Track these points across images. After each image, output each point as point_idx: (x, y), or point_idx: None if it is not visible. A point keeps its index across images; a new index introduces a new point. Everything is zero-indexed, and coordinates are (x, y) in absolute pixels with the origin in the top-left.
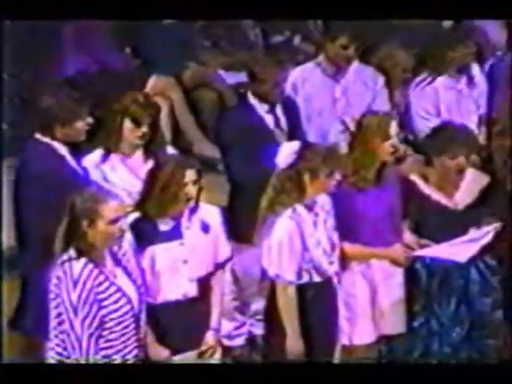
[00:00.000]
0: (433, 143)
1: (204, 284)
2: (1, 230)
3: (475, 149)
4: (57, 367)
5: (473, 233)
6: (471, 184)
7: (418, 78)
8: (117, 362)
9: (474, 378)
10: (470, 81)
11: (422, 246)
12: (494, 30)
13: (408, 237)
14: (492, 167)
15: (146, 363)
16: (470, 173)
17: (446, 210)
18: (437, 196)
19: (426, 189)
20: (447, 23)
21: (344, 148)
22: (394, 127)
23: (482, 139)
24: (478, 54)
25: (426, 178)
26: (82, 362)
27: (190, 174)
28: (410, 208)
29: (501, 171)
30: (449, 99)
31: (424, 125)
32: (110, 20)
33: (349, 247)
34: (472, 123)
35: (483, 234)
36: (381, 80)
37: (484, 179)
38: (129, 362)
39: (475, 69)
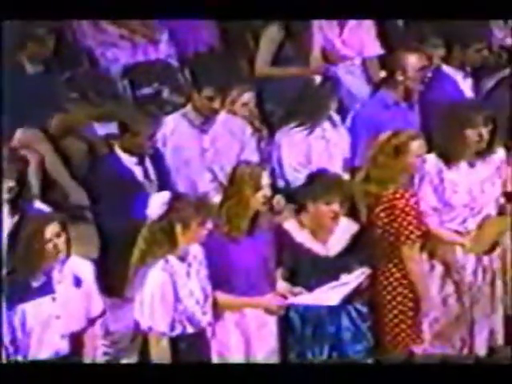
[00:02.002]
0: (307, 190)
1: (76, 339)
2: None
3: (347, 196)
4: (57, 367)
5: (344, 278)
6: (342, 231)
7: (287, 128)
8: (117, 362)
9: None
10: (336, 129)
11: (295, 294)
12: (357, 84)
13: (281, 285)
14: (359, 214)
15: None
16: (341, 220)
17: (318, 258)
18: (309, 244)
19: (299, 237)
20: (316, 77)
21: (215, 198)
22: (265, 177)
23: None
24: (342, 105)
25: (299, 225)
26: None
27: (52, 228)
28: (284, 256)
29: (367, 219)
30: (318, 148)
31: (295, 174)
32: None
33: (222, 297)
34: (339, 171)
35: (353, 279)
36: (248, 130)
37: (353, 227)
38: (129, 362)
39: (339, 118)
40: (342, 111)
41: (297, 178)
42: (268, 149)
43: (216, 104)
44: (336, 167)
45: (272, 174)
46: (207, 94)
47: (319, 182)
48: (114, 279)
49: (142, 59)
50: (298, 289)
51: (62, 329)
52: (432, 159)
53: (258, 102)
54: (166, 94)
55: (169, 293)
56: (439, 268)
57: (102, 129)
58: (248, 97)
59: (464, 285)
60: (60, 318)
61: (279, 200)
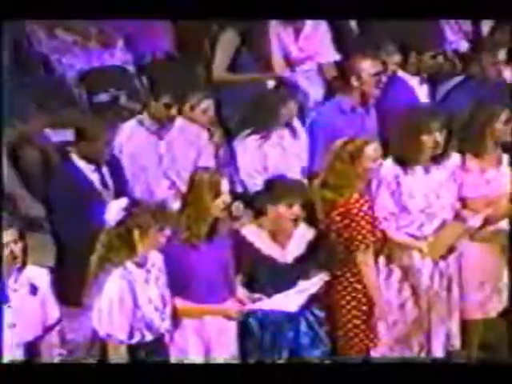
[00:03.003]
0: (265, 196)
1: (32, 348)
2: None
3: (306, 200)
4: (57, 367)
5: (302, 285)
6: (300, 237)
7: (243, 134)
8: (118, 362)
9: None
10: (293, 136)
11: (254, 300)
12: (314, 89)
13: (240, 291)
14: (316, 220)
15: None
16: (299, 226)
17: (276, 264)
18: (267, 250)
19: (257, 242)
20: (271, 83)
21: (173, 204)
22: (224, 183)
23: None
24: (299, 111)
25: (258, 231)
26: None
27: (10, 234)
28: (243, 262)
29: (327, 225)
30: (274, 155)
31: (252, 180)
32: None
33: (181, 304)
34: (297, 177)
35: (311, 285)
36: (205, 136)
37: (310, 232)
38: (130, 362)
39: (297, 124)
40: (300, 117)
41: (254, 184)
42: (225, 155)
43: (173, 111)
44: (294, 174)
45: (230, 180)
46: (164, 100)
47: (279, 186)
48: (71, 287)
49: (98, 65)
50: (256, 295)
51: (17, 337)
52: (389, 164)
53: (216, 108)
54: (122, 100)
55: (127, 300)
56: (397, 272)
57: (56, 136)
58: (207, 104)
59: (421, 289)
60: (15, 326)
61: (237, 206)
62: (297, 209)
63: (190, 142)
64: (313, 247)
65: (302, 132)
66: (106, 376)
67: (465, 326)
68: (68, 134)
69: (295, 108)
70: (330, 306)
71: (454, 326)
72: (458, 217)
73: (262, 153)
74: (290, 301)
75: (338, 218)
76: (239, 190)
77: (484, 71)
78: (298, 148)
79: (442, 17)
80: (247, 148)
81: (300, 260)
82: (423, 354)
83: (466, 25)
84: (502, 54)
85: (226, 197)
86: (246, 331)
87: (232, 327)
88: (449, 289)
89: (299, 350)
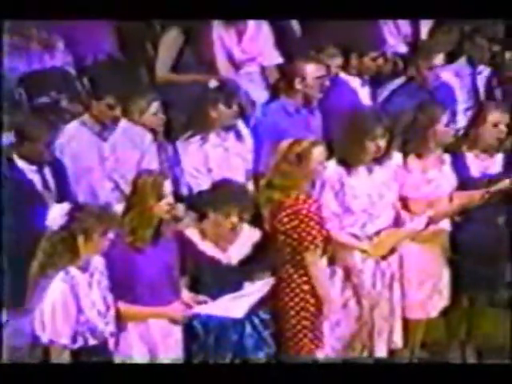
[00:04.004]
0: (208, 199)
1: None
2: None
3: (248, 205)
4: (57, 367)
5: (247, 287)
6: (244, 239)
7: (185, 136)
8: (118, 362)
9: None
10: (237, 137)
11: (199, 303)
12: (257, 91)
13: (185, 294)
14: (262, 221)
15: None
16: (243, 228)
17: (221, 266)
18: (212, 252)
19: (201, 245)
20: (213, 83)
21: (117, 207)
22: (167, 186)
23: (253, 194)
24: (243, 112)
25: (201, 233)
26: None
27: None
28: (187, 265)
29: (270, 225)
30: (217, 156)
31: (196, 182)
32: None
33: (125, 308)
34: (241, 179)
35: (257, 289)
36: (148, 137)
37: (256, 234)
38: (130, 362)
39: (241, 126)
40: (244, 118)
41: (197, 186)
42: (169, 157)
43: (116, 112)
44: (238, 175)
45: (174, 182)
46: (107, 101)
47: (220, 192)
48: (13, 292)
49: (38, 67)
50: (202, 297)
51: None
52: (332, 165)
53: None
54: (64, 102)
55: (70, 304)
56: (339, 272)
57: None
58: (156, 106)
59: (363, 289)
60: None
61: (181, 208)
62: (234, 218)
63: (133, 143)
64: (259, 249)
65: (246, 133)
66: (49, 377)
67: (407, 325)
68: (9, 136)
69: (238, 109)
70: (276, 308)
71: (396, 326)
72: (399, 217)
73: (204, 154)
74: (236, 306)
75: (285, 219)
76: (184, 192)
77: (420, 74)
78: (243, 149)
79: (383, 17)
80: (189, 150)
81: (245, 262)
82: (366, 353)
83: (406, 28)
84: (438, 58)
85: (169, 198)
86: (191, 334)
87: (177, 330)
88: (390, 288)
89: (244, 353)
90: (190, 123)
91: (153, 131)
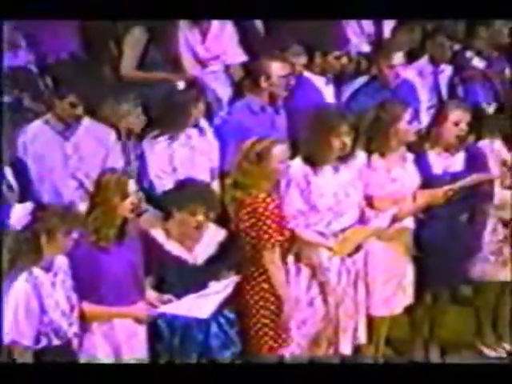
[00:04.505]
0: (173, 198)
1: None
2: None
3: (214, 204)
4: (57, 367)
5: (213, 286)
6: (209, 238)
7: (151, 135)
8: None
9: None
10: (203, 136)
11: (164, 302)
12: (223, 90)
13: (150, 293)
14: (227, 220)
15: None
16: (208, 227)
17: (186, 265)
18: (177, 251)
19: (166, 244)
20: (181, 84)
21: (81, 206)
22: (132, 184)
23: (217, 193)
24: (208, 111)
25: (166, 233)
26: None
27: None
28: (152, 264)
29: (235, 224)
30: (183, 155)
31: (160, 182)
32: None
33: (89, 308)
34: (206, 178)
35: (223, 288)
36: (112, 136)
37: (221, 233)
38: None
39: (207, 124)
40: (209, 117)
41: (162, 185)
42: (134, 155)
43: (79, 110)
44: (203, 174)
45: (139, 180)
46: (70, 100)
47: (185, 191)
48: None
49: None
50: (167, 297)
51: None
52: (298, 164)
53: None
54: (26, 102)
55: (33, 305)
56: (305, 270)
57: None
58: (140, 109)
59: (329, 286)
60: None
61: (146, 207)
62: (200, 217)
63: (97, 141)
64: (224, 248)
65: (211, 132)
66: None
67: (371, 322)
68: None
69: (204, 108)
70: (240, 306)
71: (361, 323)
72: (364, 215)
73: (170, 154)
74: (201, 306)
75: (245, 217)
76: (148, 191)
77: (382, 73)
78: (208, 148)
79: (346, 17)
80: (156, 149)
81: (211, 261)
82: (331, 350)
83: (369, 27)
84: (399, 57)
85: (133, 197)
86: (156, 334)
87: (142, 330)
88: (355, 286)
89: (209, 352)
90: (156, 122)
91: (117, 130)
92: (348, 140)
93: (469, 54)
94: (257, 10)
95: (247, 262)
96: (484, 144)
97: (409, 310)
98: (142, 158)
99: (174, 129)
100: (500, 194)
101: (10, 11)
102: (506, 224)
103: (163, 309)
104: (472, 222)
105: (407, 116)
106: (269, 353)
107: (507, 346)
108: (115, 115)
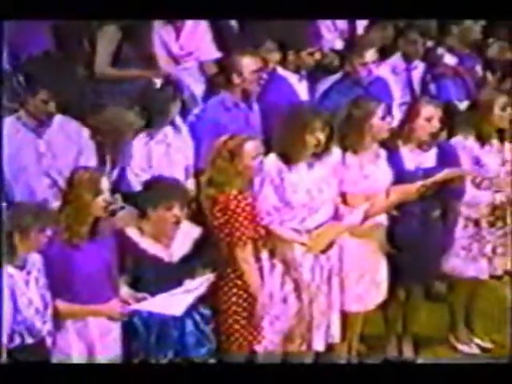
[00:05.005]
0: (147, 195)
1: None
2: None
3: (188, 201)
4: (57, 367)
5: (188, 284)
6: (185, 236)
7: (130, 133)
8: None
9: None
10: (178, 133)
11: (138, 300)
12: (197, 87)
13: (125, 291)
14: (203, 218)
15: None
16: (184, 225)
17: (161, 263)
18: (152, 249)
19: (141, 242)
20: (158, 81)
21: (55, 204)
22: (105, 182)
23: (191, 190)
24: (183, 108)
25: (141, 231)
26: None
27: None
28: (127, 262)
29: (210, 222)
30: (159, 153)
31: (136, 179)
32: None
33: (63, 306)
34: (182, 175)
35: (197, 285)
36: (86, 133)
37: (196, 231)
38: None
39: (181, 122)
40: (184, 114)
41: (138, 182)
42: (112, 153)
43: (51, 107)
44: (178, 171)
45: (114, 178)
46: (42, 97)
47: (158, 188)
48: None
49: None
50: (141, 294)
51: None
52: (272, 160)
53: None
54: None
55: (6, 303)
56: (279, 266)
57: None
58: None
59: (302, 283)
60: None
61: (123, 205)
62: (176, 211)
63: (70, 139)
64: (199, 245)
65: (186, 129)
66: None
67: (345, 318)
68: None
69: (180, 105)
70: (215, 303)
71: (334, 319)
72: (338, 212)
73: (148, 151)
74: (175, 303)
75: (218, 215)
76: (124, 188)
77: (355, 70)
78: (183, 146)
79: (319, 16)
80: (134, 146)
81: (186, 259)
82: (304, 347)
83: (342, 24)
84: (371, 54)
85: (106, 195)
86: (131, 331)
87: (116, 328)
88: (329, 282)
89: (185, 350)
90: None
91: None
92: (322, 136)
93: (440, 50)
94: (231, 9)
95: (222, 259)
96: (456, 141)
97: (382, 306)
98: (119, 155)
99: (152, 126)
100: (471, 192)
101: None
102: (475, 222)
103: (136, 306)
104: (444, 218)
105: (380, 112)
106: (242, 349)
107: (480, 342)
108: (92, 113)
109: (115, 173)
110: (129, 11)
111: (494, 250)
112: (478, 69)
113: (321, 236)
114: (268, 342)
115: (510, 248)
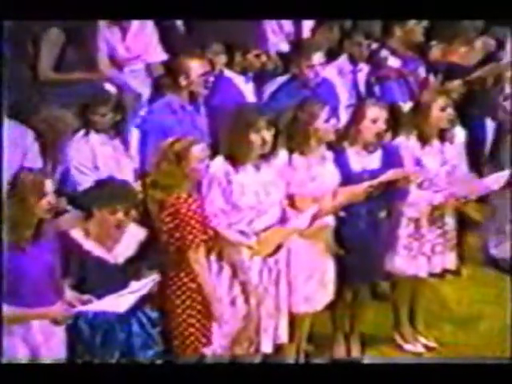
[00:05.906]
0: (93, 197)
1: None
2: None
3: (135, 203)
4: (57, 367)
5: (133, 285)
6: (130, 237)
7: (74, 134)
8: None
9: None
10: (124, 136)
11: (83, 303)
12: (143, 89)
13: (69, 294)
14: (149, 220)
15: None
16: (129, 226)
17: (106, 265)
18: (97, 251)
19: (86, 244)
20: (103, 84)
21: None
22: (49, 184)
23: (138, 192)
24: (129, 111)
25: (86, 233)
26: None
27: None
28: (71, 264)
29: (158, 225)
30: (105, 155)
31: (82, 179)
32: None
33: (8, 310)
34: (128, 177)
35: (142, 286)
36: (30, 135)
37: (141, 233)
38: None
39: (128, 123)
40: (130, 117)
41: (84, 182)
42: (54, 154)
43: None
44: (125, 173)
45: (59, 179)
46: None
47: (105, 190)
48: None
49: None
50: (86, 297)
51: None
52: (219, 162)
53: None
54: None
55: None
56: (227, 269)
57: None
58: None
59: (250, 285)
60: None
61: (67, 208)
62: (120, 215)
63: (14, 142)
64: (145, 247)
65: (133, 131)
66: None
67: (293, 319)
68: None
69: (125, 108)
70: (164, 306)
71: (282, 321)
72: (286, 214)
73: (91, 152)
74: (119, 302)
75: (168, 219)
76: (68, 190)
77: (302, 72)
78: (130, 148)
79: (266, 17)
80: (77, 147)
81: (131, 260)
82: (252, 349)
83: (288, 26)
84: (318, 56)
85: (50, 197)
86: (76, 334)
87: (60, 331)
88: (277, 284)
89: (131, 352)
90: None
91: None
92: (267, 135)
93: (384, 53)
94: (177, 9)
95: (172, 262)
96: (399, 141)
97: (330, 306)
98: (63, 156)
99: (94, 127)
100: (413, 192)
101: None
102: (416, 221)
103: (80, 308)
104: (389, 218)
105: (324, 115)
106: (193, 352)
107: (424, 341)
108: (38, 116)
109: (58, 173)
110: (72, 11)
111: (432, 249)
112: (421, 71)
113: (268, 240)
114: (216, 345)
115: (448, 247)
